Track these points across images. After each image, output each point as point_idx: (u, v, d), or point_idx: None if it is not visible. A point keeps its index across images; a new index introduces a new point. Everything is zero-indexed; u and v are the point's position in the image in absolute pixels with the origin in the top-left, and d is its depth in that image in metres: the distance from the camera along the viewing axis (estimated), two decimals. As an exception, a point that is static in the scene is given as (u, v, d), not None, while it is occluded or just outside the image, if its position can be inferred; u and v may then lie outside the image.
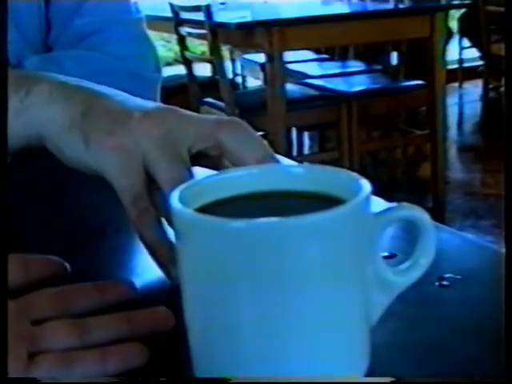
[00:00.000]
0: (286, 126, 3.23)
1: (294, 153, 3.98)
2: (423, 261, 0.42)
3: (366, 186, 0.39)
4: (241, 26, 3.06)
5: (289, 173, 0.43)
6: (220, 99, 3.25)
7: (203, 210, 0.40)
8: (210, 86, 3.48)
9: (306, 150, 4.37)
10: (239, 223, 0.36)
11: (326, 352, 0.38)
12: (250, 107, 3.19)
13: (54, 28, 1.00)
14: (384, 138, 4.00)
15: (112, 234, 0.64)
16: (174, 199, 0.39)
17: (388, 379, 0.40)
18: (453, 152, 4.44)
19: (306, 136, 4.42)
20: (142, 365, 0.43)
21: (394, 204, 0.44)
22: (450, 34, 5.01)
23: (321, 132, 4.23)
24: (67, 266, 0.51)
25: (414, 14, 3.39)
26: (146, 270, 0.54)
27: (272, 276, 0.36)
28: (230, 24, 3.05)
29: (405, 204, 0.43)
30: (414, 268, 0.42)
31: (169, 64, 6.22)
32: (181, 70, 3.73)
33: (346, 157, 3.23)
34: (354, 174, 0.41)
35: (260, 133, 3.31)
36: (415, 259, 0.42)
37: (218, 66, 3.24)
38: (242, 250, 0.36)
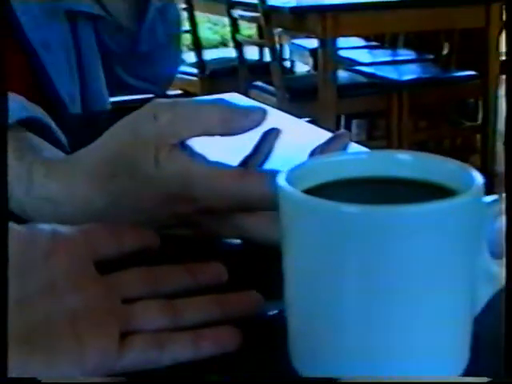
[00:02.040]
0: (336, 112, 3.21)
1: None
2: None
3: (478, 177, 0.38)
4: (294, 10, 3.05)
5: (396, 159, 0.42)
6: (269, 83, 3.24)
7: (308, 192, 0.39)
8: (259, 69, 3.48)
9: (354, 138, 4.34)
10: (352, 208, 0.35)
11: (429, 348, 0.37)
12: (299, 92, 3.18)
13: None
14: (433, 129, 3.96)
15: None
16: (282, 180, 0.38)
17: (484, 379, 0.39)
18: (500, 145, 4.38)
19: (354, 124, 4.39)
20: (235, 349, 0.42)
21: (495, 196, 0.43)
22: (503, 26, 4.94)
23: (369, 120, 4.19)
24: (158, 239, 0.50)
25: (469, 4, 3.35)
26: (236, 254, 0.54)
27: (380, 266, 0.35)
28: (283, 8, 3.04)
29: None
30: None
31: (215, 47, 6.22)
32: (227, 52, 3.72)
33: (395, 146, 3.21)
34: (465, 165, 0.40)
35: (308, 118, 3.30)
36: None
37: (270, 50, 3.22)
38: (352, 236, 0.35)
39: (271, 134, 0.57)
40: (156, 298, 0.44)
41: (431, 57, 3.79)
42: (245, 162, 0.57)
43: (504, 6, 3.94)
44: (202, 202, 0.52)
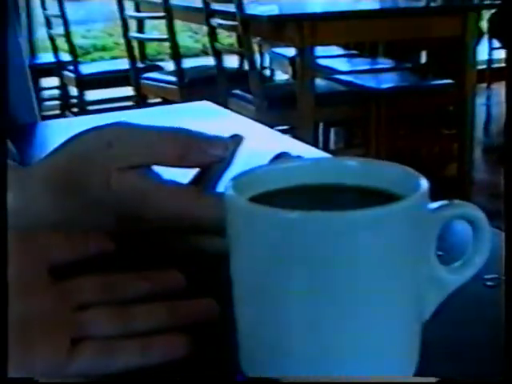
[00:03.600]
0: (314, 120, 3.22)
1: (320, 148, 3.97)
2: (478, 259, 0.41)
3: (423, 182, 0.38)
4: (272, 18, 3.06)
5: (343, 166, 0.42)
6: (248, 91, 3.24)
7: (255, 199, 0.39)
8: (238, 78, 3.48)
9: (332, 146, 4.35)
10: (294, 214, 0.36)
11: (377, 349, 0.38)
12: (278, 101, 3.18)
13: None
14: (411, 137, 3.98)
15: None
16: (229, 188, 0.38)
17: (433, 379, 0.39)
18: (478, 153, 4.41)
19: (332, 132, 4.40)
20: (184, 356, 0.42)
21: (445, 201, 0.43)
22: (480, 34, 4.97)
23: (347, 128, 4.20)
24: (113, 244, 0.50)
25: (445, 13, 3.37)
26: (194, 261, 0.54)
27: (324, 270, 0.36)
28: (261, 16, 3.05)
29: (457, 202, 0.42)
30: (467, 266, 0.41)
31: (196, 55, 6.22)
32: (208, 61, 3.73)
33: (373, 154, 3.22)
34: (411, 170, 0.40)
35: (287, 127, 3.31)
36: (469, 258, 0.41)
37: (248, 59, 3.23)
38: (294, 242, 0.36)
39: (234, 141, 0.57)
40: (111, 304, 0.44)
41: (409, 65, 3.81)
42: (202, 173, 0.57)
43: (489, 15, 4.00)
44: (155, 223, 0.52)
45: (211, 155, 0.53)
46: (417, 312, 0.39)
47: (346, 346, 0.37)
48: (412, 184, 0.38)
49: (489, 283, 0.52)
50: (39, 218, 0.53)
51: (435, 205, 0.41)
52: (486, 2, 3.85)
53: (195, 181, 0.55)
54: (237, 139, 0.56)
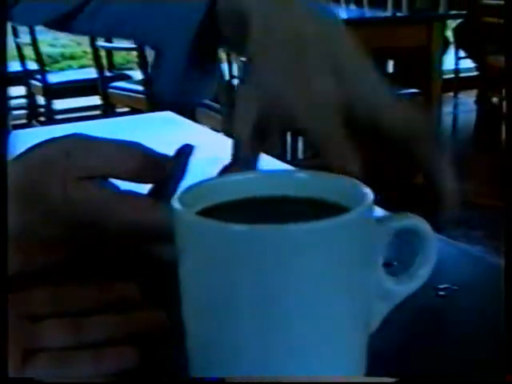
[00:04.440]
0: (281, 129, 3.22)
1: (288, 157, 3.98)
2: (423, 271, 0.42)
3: (369, 194, 0.39)
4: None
5: (292, 178, 0.42)
6: (216, 101, 3.24)
7: (205, 212, 0.39)
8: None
9: (300, 155, 4.36)
10: (241, 227, 0.36)
11: (325, 359, 0.38)
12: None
13: None
14: (378, 146, 3.99)
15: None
16: (176, 201, 0.38)
17: (387, 379, 0.39)
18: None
19: (300, 141, 4.41)
20: (135, 366, 0.43)
21: (394, 213, 0.44)
22: (446, 44, 5.02)
23: (315, 137, 4.20)
24: (67, 252, 0.50)
25: (411, 23, 3.41)
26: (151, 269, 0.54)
27: (272, 281, 0.36)
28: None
29: (406, 213, 0.43)
30: (414, 278, 0.42)
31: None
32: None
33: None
34: (358, 182, 0.40)
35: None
36: (415, 269, 0.42)
37: (215, 68, 3.23)
38: (242, 255, 0.36)
39: (185, 152, 0.57)
40: (64, 316, 0.45)
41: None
42: (157, 187, 0.57)
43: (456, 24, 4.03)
44: (112, 232, 0.52)
45: (162, 173, 0.54)
46: (364, 323, 0.40)
47: (291, 355, 0.37)
48: (359, 196, 0.39)
49: (441, 293, 0.53)
50: None
51: (382, 216, 0.41)
52: (451, 12, 3.89)
53: (151, 194, 0.56)
54: (187, 149, 0.56)
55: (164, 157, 0.54)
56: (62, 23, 0.76)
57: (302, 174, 0.43)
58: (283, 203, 0.42)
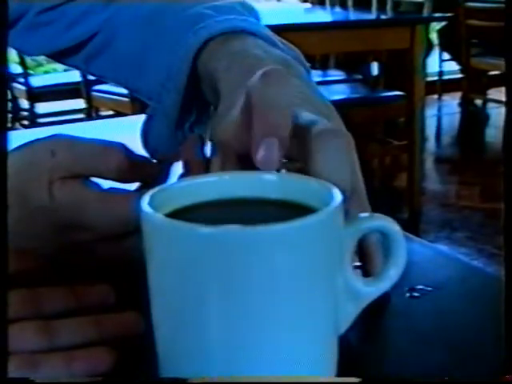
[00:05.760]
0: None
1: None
2: (393, 272, 0.42)
3: (337, 195, 0.39)
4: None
5: (261, 180, 0.42)
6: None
7: (173, 214, 0.39)
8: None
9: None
10: (207, 229, 0.36)
11: (292, 359, 0.38)
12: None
13: None
14: (361, 148, 4.01)
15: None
16: (144, 203, 0.38)
17: (354, 379, 0.39)
18: (429, 163, 4.46)
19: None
20: (107, 369, 0.42)
21: (365, 214, 0.44)
22: (430, 47, 5.05)
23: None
24: (43, 258, 0.50)
25: (394, 25, 3.42)
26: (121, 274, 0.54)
27: (239, 283, 0.36)
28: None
29: (376, 215, 0.43)
30: (383, 279, 0.42)
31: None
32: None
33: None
34: (327, 184, 0.40)
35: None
36: (385, 270, 0.42)
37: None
38: (209, 257, 0.36)
39: (168, 157, 0.57)
40: (37, 318, 0.44)
41: (360, 77, 3.85)
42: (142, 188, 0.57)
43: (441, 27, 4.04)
44: (98, 229, 0.52)
45: (146, 173, 0.55)
46: (333, 324, 0.40)
47: (259, 356, 0.37)
48: (328, 197, 0.39)
49: (415, 294, 0.53)
50: None
51: (352, 218, 0.41)
52: (435, 15, 3.91)
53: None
54: (172, 155, 0.56)
55: (146, 159, 0.55)
56: (59, 57, 0.78)
57: (272, 176, 0.43)
58: (253, 205, 0.42)
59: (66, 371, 0.42)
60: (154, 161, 0.57)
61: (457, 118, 5.45)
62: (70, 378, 0.42)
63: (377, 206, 0.49)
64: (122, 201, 0.52)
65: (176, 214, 0.39)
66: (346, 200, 0.39)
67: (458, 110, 5.47)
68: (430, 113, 5.15)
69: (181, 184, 0.43)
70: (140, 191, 0.55)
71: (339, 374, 0.40)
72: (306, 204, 0.40)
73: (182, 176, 0.55)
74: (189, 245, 0.36)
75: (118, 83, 0.78)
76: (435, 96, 5.65)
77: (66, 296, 0.47)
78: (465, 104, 5.39)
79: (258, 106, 0.46)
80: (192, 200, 0.41)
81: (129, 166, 0.53)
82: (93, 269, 0.53)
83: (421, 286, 0.54)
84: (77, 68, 0.83)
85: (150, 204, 0.38)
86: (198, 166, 0.53)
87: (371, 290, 0.42)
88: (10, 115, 4.52)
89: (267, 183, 0.42)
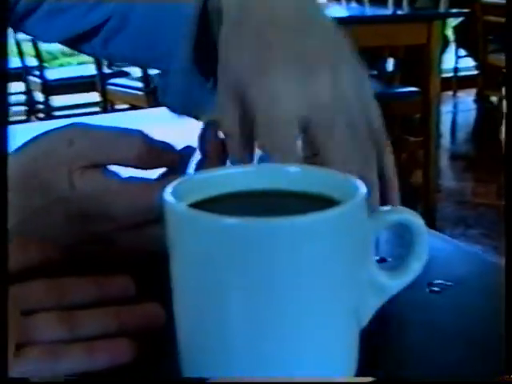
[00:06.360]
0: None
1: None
2: (415, 265, 0.41)
3: (362, 188, 0.38)
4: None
5: (285, 172, 0.42)
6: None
7: (196, 205, 0.39)
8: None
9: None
10: (232, 220, 0.36)
11: (315, 353, 0.38)
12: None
13: None
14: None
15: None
16: (168, 194, 0.38)
17: (369, 379, 0.39)
18: (445, 160, 4.45)
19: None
20: (129, 361, 0.42)
21: (388, 207, 0.44)
22: (446, 43, 5.02)
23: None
24: (67, 252, 0.50)
25: (411, 21, 3.40)
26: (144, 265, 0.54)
27: (263, 276, 0.36)
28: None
29: (399, 208, 0.43)
30: (406, 272, 0.42)
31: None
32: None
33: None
34: (351, 176, 0.40)
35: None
36: (407, 263, 0.41)
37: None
38: (233, 248, 0.36)
39: (185, 154, 0.57)
40: (59, 309, 0.44)
41: (375, 73, 3.83)
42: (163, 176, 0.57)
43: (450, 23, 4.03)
44: (119, 219, 0.52)
45: (165, 160, 0.54)
46: (355, 317, 0.40)
47: (283, 351, 0.37)
48: (352, 190, 0.38)
49: (435, 289, 0.53)
50: None
51: (375, 210, 0.41)
52: (452, 11, 3.89)
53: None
54: (188, 151, 0.56)
55: (166, 145, 0.54)
56: (76, 43, 0.77)
57: (295, 168, 0.43)
58: (276, 197, 0.42)
59: (87, 362, 0.42)
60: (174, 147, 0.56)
61: (472, 114, 5.42)
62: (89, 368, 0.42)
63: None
64: (142, 190, 0.52)
65: (199, 205, 0.39)
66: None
67: (473, 106, 5.45)
68: (445, 109, 5.13)
69: (204, 175, 0.43)
70: (160, 180, 0.55)
71: (358, 369, 0.40)
72: (329, 196, 0.40)
73: (201, 162, 0.55)
74: (212, 236, 0.36)
75: (137, 62, 0.77)
76: (450, 92, 5.63)
77: (88, 287, 0.47)
78: (480, 101, 5.37)
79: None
80: (215, 191, 0.41)
81: (149, 153, 0.53)
82: (113, 259, 0.53)
83: (441, 281, 0.54)
84: (93, 55, 0.82)
85: (174, 194, 0.38)
86: (215, 151, 0.53)
87: (395, 282, 0.41)
88: (25, 108, 4.54)
89: (290, 175, 0.42)
